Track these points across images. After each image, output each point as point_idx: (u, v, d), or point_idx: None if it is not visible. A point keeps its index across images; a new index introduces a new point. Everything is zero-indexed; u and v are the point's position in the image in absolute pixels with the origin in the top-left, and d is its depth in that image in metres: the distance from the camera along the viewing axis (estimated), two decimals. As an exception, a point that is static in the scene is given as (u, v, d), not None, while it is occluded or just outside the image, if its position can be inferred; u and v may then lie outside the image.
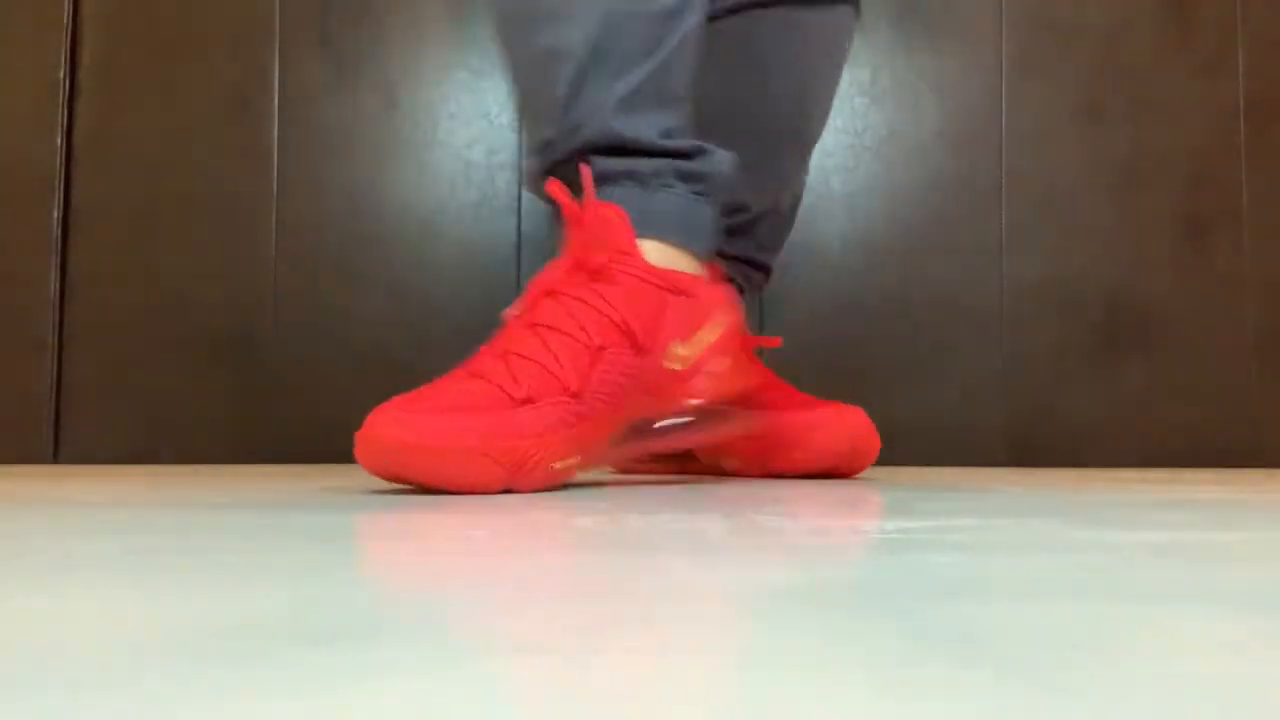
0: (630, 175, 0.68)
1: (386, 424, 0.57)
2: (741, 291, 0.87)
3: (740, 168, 0.72)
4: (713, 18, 0.79)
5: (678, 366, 0.65)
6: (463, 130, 1.19)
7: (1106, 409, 1.17)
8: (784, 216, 0.91)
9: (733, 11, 0.85)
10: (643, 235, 0.67)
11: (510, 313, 0.65)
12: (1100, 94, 1.20)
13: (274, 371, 1.16)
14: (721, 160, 0.70)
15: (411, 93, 1.19)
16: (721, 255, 0.80)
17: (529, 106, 0.73)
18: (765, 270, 0.91)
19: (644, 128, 0.68)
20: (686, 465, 0.86)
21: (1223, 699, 0.15)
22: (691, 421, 0.67)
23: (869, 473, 0.90)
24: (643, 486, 0.69)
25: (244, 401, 1.16)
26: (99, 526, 0.41)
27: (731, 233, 0.83)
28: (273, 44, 1.19)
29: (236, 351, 1.16)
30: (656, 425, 0.66)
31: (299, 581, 0.26)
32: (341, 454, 1.17)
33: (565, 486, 0.67)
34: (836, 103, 1.21)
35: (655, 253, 0.67)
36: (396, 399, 0.59)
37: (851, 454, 0.81)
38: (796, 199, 0.93)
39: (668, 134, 0.69)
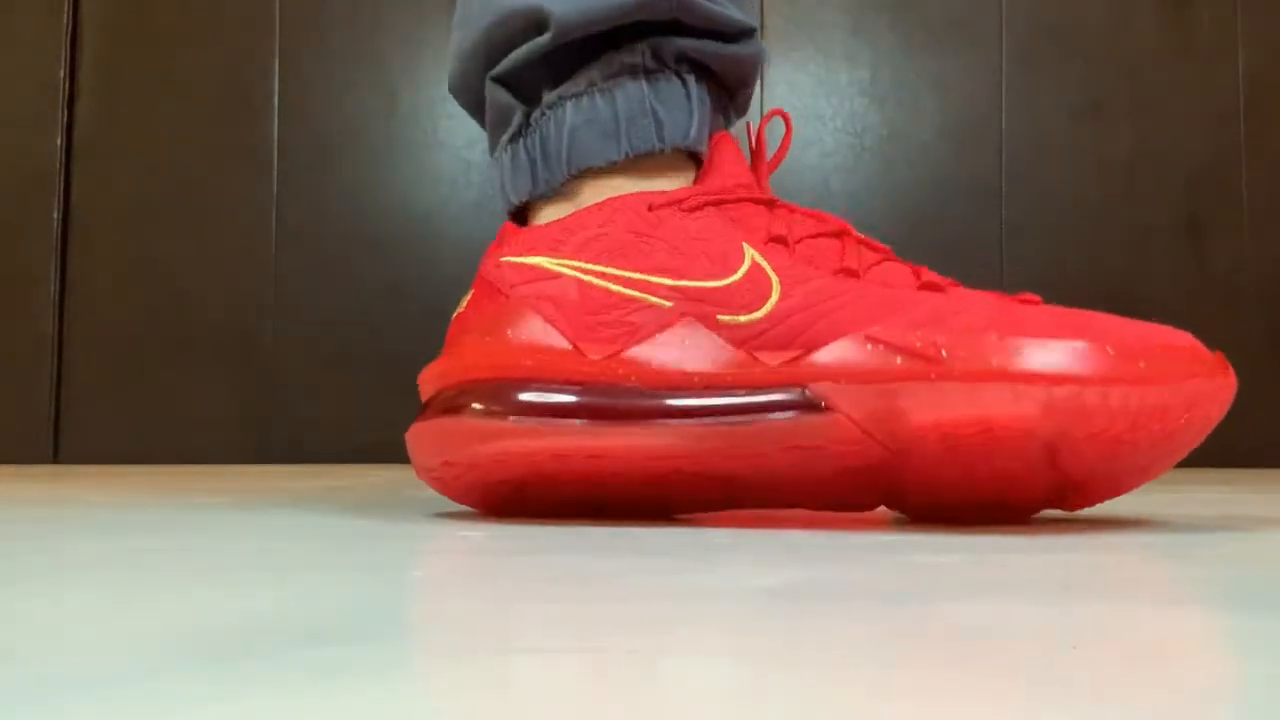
0: None
1: None
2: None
3: None
4: None
5: None
6: (463, 130, 1.19)
7: (1106, 409, 1.17)
8: None
9: None
10: None
11: None
12: (1100, 93, 1.20)
13: (274, 371, 1.16)
14: None
15: (411, 93, 1.19)
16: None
17: None
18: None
19: None
20: None
21: (1223, 699, 0.15)
22: None
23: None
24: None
25: (244, 401, 1.16)
26: (99, 526, 0.40)
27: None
28: (273, 44, 1.19)
29: (236, 351, 1.16)
30: None
31: (298, 581, 0.26)
32: (341, 454, 1.17)
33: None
34: (836, 102, 1.21)
35: None
36: None
37: None
38: None
39: None
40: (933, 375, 0.37)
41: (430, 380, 0.43)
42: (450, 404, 0.41)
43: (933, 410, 0.37)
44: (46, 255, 1.17)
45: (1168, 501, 0.57)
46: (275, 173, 1.18)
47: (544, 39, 0.44)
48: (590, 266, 0.41)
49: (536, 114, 0.45)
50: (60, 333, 1.17)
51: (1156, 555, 0.33)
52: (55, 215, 1.17)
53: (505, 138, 0.47)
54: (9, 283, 1.17)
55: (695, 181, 0.44)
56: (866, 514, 0.44)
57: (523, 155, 0.46)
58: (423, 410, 0.42)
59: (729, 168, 0.44)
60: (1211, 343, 0.39)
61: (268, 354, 1.16)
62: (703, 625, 0.21)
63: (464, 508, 0.48)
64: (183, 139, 1.18)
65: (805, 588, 0.26)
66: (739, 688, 0.16)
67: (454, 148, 1.19)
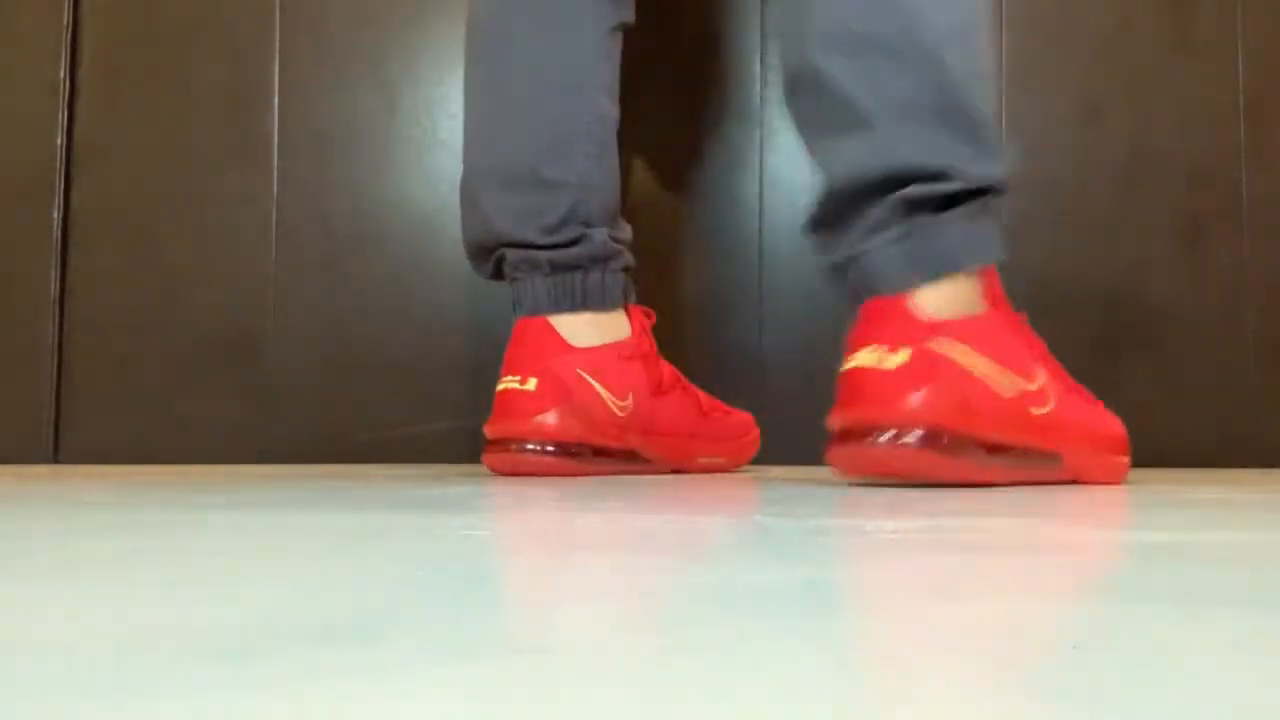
0: None
1: None
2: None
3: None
4: None
5: None
6: (462, 130, 1.19)
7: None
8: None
9: None
10: None
11: None
12: (1100, 94, 1.20)
13: (274, 371, 1.16)
14: None
15: (411, 93, 1.19)
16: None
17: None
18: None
19: None
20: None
21: (1223, 699, 0.15)
22: None
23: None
24: (643, 486, 0.69)
25: (244, 401, 1.16)
26: (99, 526, 0.41)
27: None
28: (273, 44, 1.19)
29: (236, 351, 1.16)
30: None
31: (298, 581, 0.26)
32: (341, 454, 1.17)
33: (568, 486, 0.67)
34: (836, 103, 1.21)
35: None
36: None
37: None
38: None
39: None
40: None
41: (849, 415, 0.65)
42: (880, 437, 0.64)
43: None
44: (46, 255, 1.17)
45: (1167, 502, 0.57)
46: (275, 173, 1.18)
47: (951, 186, 0.67)
48: (988, 363, 0.66)
49: (923, 221, 0.67)
50: (60, 333, 1.17)
51: (1156, 555, 0.33)
52: (55, 215, 1.17)
53: (879, 238, 0.68)
54: (9, 283, 1.17)
55: (983, 289, 0.69)
56: (867, 516, 0.44)
57: (896, 250, 0.67)
58: (842, 436, 0.66)
59: (999, 285, 0.70)
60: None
61: (267, 354, 1.16)
62: (704, 625, 0.21)
63: (464, 509, 0.48)
64: (183, 139, 1.18)
65: (805, 587, 0.26)
66: (740, 687, 0.16)
67: (454, 147, 1.19)
